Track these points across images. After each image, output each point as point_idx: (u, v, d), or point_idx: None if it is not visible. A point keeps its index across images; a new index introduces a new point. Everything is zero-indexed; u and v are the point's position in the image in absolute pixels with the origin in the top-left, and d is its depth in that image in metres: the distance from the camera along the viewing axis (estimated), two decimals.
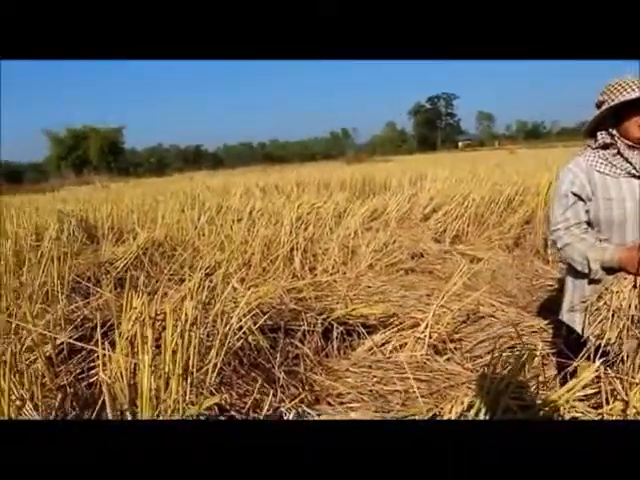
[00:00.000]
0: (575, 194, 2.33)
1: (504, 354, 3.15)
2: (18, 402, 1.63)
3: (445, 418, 1.73)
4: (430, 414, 1.89)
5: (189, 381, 1.59)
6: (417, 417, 1.97)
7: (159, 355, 1.82)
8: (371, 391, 2.61)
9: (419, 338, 3.19)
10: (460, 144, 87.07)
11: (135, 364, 1.86)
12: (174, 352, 1.53)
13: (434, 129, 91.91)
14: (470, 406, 1.76)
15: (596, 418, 1.87)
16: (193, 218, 6.06)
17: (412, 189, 9.50)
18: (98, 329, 1.92)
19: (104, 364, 1.90)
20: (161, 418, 1.57)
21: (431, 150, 75.12)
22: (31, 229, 5.92)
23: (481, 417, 1.68)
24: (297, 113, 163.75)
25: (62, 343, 2.88)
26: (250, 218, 6.00)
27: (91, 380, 2.73)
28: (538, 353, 3.21)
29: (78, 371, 2.81)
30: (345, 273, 4.46)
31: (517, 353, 2.99)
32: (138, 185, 20.06)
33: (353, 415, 2.08)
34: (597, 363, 1.94)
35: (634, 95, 2.15)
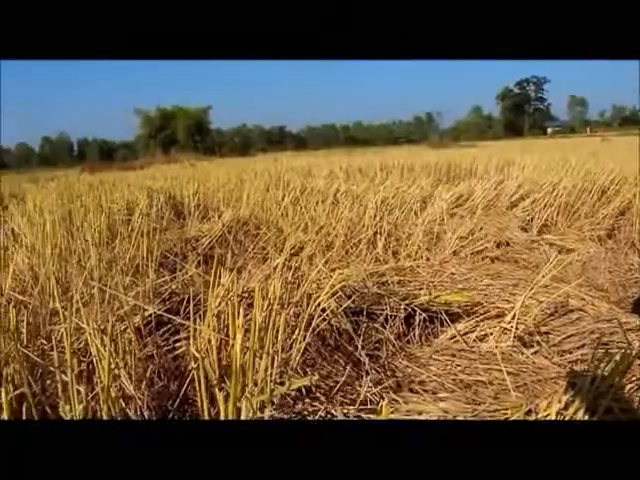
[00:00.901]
0: None
1: (598, 351, 3.01)
2: (116, 370, 1.69)
3: (541, 415, 1.67)
4: (525, 409, 1.82)
5: (275, 361, 1.59)
6: (509, 412, 1.90)
7: (246, 333, 1.83)
8: (454, 380, 2.55)
9: (505, 329, 3.09)
10: (549, 130, 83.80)
11: (221, 340, 1.88)
12: (261, 330, 1.54)
13: (522, 114, 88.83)
14: (567, 405, 1.69)
15: None
16: (277, 198, 6.11)
17: (499, 176, 9.24)
18: (191, 303, 1.95)
19: (194, 338, 1.94)
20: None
21: (518, 136, 72.82)
22: (123, 204, 6.15)
23: (579, 417, 1.61)
24: (380, 96, 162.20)
25: (150, 315, 2.97)
26: (334, 200, 6.00)
27: (177, 352, 2.81)
28: (633, 353, 3.04)
29: (164, 343, 2.89)
30: (429, 259, 4.39)
31: (619, 352, 2.85)
32: (222, 164, 20.51)
33: (442, 405, 2.03)
34: None
35: None
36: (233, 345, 1.45)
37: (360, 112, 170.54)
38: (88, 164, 32.15)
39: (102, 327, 1.72)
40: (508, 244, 5.65)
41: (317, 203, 5.67)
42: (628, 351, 3.02)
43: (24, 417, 1.46)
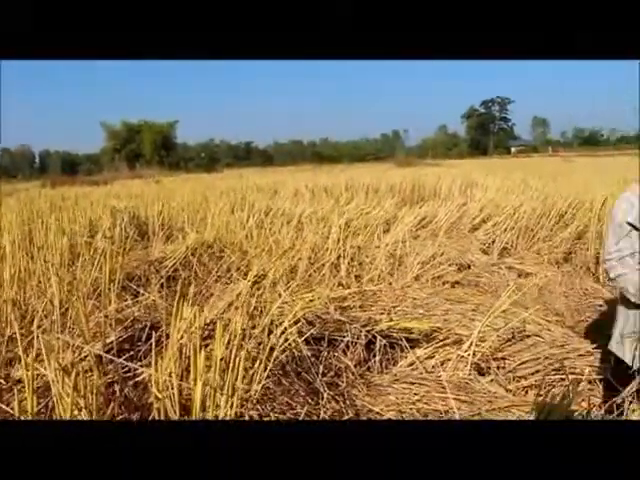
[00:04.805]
0: (630, 224, 2.27)
1: (550, 377, 3.11)
2: (76, 411, 1.68)
3: None
4: None
5: (236, 395, 1.62)
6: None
7: (207, 366, 1.85)
8: (411, 409, 2.60)
9: (462, 356, 3.16)
10: (513, 149, 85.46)
11: (182, 375, 1.90)
12: (224, 370, 1.56)
13: (487, 133, 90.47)
14: None
15: None
16: (242, 220, 6.13)
17: (462, 197, 9.41)
18: (153, 336, 1.96)
19: (155, 377, 1.94)
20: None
21: (483, 155, 74.22)
22: (85, 224, 6.09)
23: None
24: (348, 113, 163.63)
25: (111, 342, 2.96)
26: (299, 222, 6.04)
27: (137, 379, 2.79)
28: (584, 378, 3.15)
29: (125, 370, 2.88)
30: (391, 283, 4.45)
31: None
32: (188, 180, 20.42)
33: None
34: None
35: None
36: (195, 382, 1.47)
37: (328, 129, 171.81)
38: (50, 178, 31.52)
39: (64, 366, 1.72)
40: (469, 267, 5.76)
41: (282, 225, 5.71)
42: (579, 377, 3.15)
43: None
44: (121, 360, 2.56)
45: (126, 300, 3.74)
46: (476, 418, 2.37)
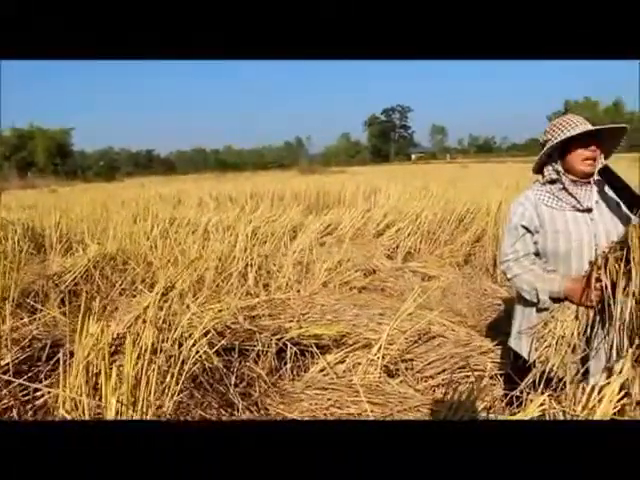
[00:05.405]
0: (524, 227, 2.44)
1: (455, 375, 3.23)
2: None
3: None
4: None
5: (150, 412, 1.56)
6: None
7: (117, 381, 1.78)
8: (325, 415, 2.62)
9: (372, 360, 3.22)
10: (413, 156, 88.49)
11: (92, 391, 1.82)
12: (135, 386, 1.51)
13: (388, 141, 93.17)
14: None
15: None
16: (146, 230, 5.96)
17: (366, 204, 9.60)
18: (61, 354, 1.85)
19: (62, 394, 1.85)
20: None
21: (384, 162, 76.36)
22: None
23: None
24: (252, 120, 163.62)
25: (7, 364, 2.79)
26: (205, 231, 5.95)
27: (38, 402, 2.65)
28: (487, 374, 3.30)
29: (24, 394, 2.72)
30: (299, 291, 4.47)
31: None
32: (86, 190, 19.67)
33: None
34: (543, 396, 1.99)
35: (574, 132, 2.29)
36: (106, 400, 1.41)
37: (231, 136, 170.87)
38: None
39: None
40: (375, 272, 5.88)
41: (187, 235, 5.60)
42: (482, 373, 3.29)
43: None
44: (20, 381, 2.42)
45: (22, 318, 3.54)
46: (389, 419, 2.42)
